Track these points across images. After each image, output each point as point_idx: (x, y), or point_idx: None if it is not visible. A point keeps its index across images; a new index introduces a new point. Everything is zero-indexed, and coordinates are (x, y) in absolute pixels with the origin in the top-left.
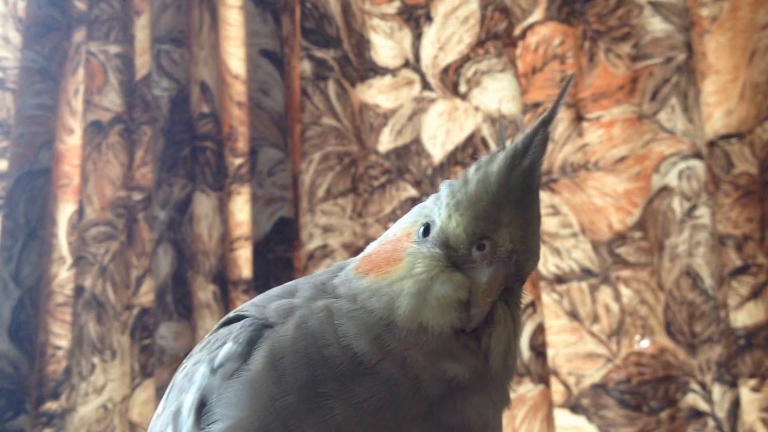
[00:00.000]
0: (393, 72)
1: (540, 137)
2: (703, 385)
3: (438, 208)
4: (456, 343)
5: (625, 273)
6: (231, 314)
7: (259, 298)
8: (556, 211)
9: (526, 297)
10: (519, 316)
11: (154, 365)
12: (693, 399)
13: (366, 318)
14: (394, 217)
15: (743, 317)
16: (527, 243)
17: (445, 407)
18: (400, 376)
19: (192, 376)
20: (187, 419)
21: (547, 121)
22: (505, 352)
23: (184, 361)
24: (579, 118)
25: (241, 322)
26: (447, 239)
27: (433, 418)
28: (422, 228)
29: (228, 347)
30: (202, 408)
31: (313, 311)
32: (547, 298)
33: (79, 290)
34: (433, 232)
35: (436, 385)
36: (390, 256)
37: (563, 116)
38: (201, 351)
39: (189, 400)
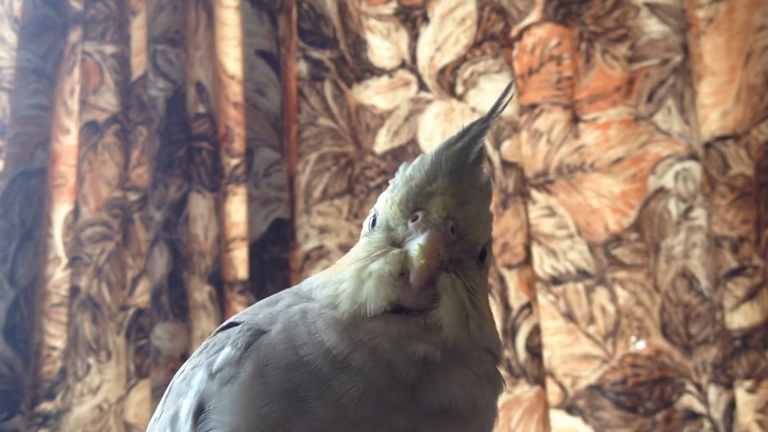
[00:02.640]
0: (389, 73)
1: (476, 128)
2: (698, 387)
3: (382, 199)
4: (412, 323)
5: (621, 274)
6: (225, 323)
7: (249, 309)
8: (552, 213)
9: (479, 278)
10: (476, 287)
11: (150, 366)
12: (689, 400)
13: (331, 312)
14: None
15: (739, 319)
16: (465, 210)
17: (428, 388)
18: (372, 364)
19: (190, 381)
20: (185, 424)
21: (486, 119)
22: (460, 321)
23: (183, 365)
24: (575, 120)
25: (239, 326)
26: (387, 222)
27: (417, 402)
28: (371, 220)
29: (226, 352)
30: (199, 413)
31: (290, 316)
32: (543, 299)
33: (74, 291)
34: (377, 219)
35: (410, 368)
36: (347, 254)
37: (560, 117)
38: (199, 355)
39: (187, 404)
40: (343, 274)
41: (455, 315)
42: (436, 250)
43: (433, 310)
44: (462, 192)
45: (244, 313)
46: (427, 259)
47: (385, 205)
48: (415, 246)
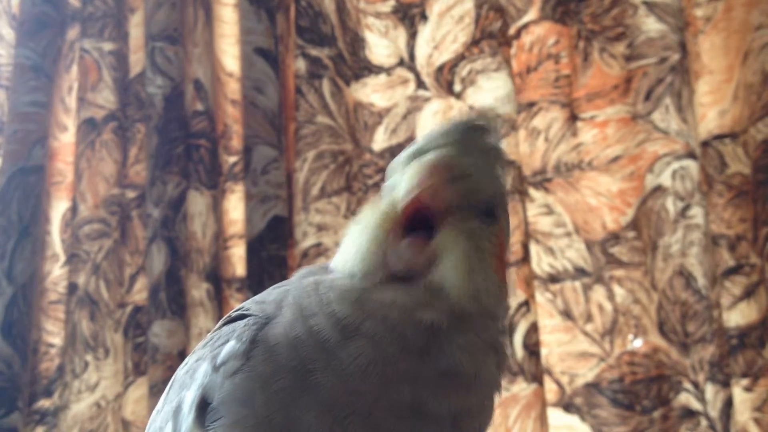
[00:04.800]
0: (388, 71)
1: (488, 117)
2: (695, 385)
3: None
4: (418, 291)
5: (619, 272)
6: (233, 312)
7: (260, 295)
8: (550, 211)
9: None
10: (481, 241)
11: (148, 363)
12: (686, 398)
13: (342, 282)
14: None
15: (736, 317)
16: (462, 159)
17: (433, 353)
18: (384, 332)
19: (194, 373)
20: (188, 416)
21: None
22: (465, 275)
23: (187, 357)
24: (573, 118)
25: (245, 320)
26: (391, 184)
27: (422, 370)
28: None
29: (231, 345)
30: (203, 405)
31: (303, 287)
32: (541, 297)
33: (72, 288)
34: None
35: (418, 334)
36: None
37: (557, 116)
38: (203, 348)
39: (190, 397)
40: (347, 243)
41: (459, 270)
42: (430, 171)
43: (435, 268)
44: (461, 148)
45: (254, 301)
46: (422, 178)
47: (393, 166)
48: (402, 181)
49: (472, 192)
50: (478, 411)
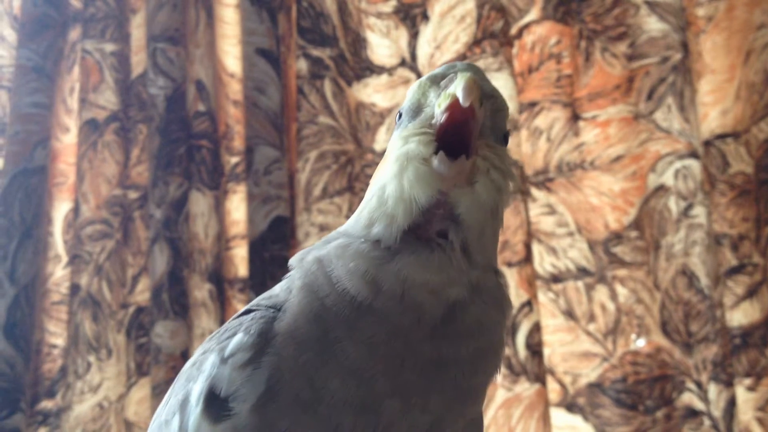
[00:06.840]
0: (389, 71)
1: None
2: (698, 385)
3: (408, 93)
4: (441, 263)
5: (621, 272)
6: (242, 310)
7: (266, 292)
8: (552, 210)
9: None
10: (509, 172)
11: (150, 364)
12: (689, 398)
13: (353, 256)
14: None
15: (739, 316)
16: (487, 84)
17: (451, 320)
18: (401, 309)
19: (201, 365)
20: (195, 408)
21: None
22: (493, 198)
23: (194, 353)
24: (575, 118)
25: (252, 314)
26: (417, 100)
27: (440, 333)
28: (398, 118)
29: (239, 338)
30: (211, 397)
31: (306, 267)
32: (543, 297)
33: (74, 288)
34: (405, 107)
35: (438, 308)
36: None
37: (559, 115)
38: (210, 341)
39: (197, 389)
40: (381, 181)
41: (491, 195)
42: (470, 86)
43: (460, 192)
44: (481, 75)
45: (261, 298)
46: (464, 92)
47: (412, 90)
48: (449, 89)
49: (497, 112)
50: (492, 355)
